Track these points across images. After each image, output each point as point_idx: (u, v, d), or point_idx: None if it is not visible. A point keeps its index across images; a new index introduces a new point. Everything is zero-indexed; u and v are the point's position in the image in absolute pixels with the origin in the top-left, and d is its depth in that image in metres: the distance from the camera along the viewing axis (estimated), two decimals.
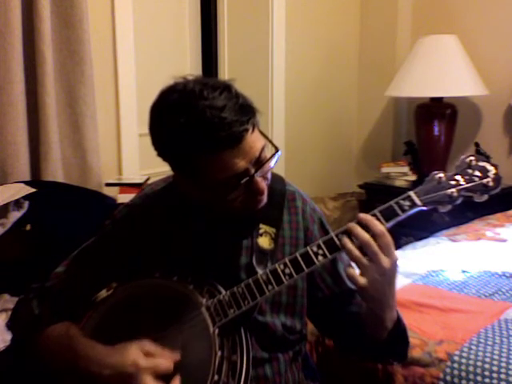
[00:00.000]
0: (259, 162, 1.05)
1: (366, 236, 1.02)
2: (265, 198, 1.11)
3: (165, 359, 1.02)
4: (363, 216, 1.04)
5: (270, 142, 1.09)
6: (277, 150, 1.08)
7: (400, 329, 1.14)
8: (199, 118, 0.99)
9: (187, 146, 1.01)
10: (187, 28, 3.06)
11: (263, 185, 1.08)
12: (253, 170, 1.05)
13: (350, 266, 1.23)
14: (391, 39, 3.51)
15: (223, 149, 1.00)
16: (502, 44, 3.21)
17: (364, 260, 1.02)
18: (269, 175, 1.12)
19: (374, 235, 1.02)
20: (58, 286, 1.20)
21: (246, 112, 1.02)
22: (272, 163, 1.08)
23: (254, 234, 1.17)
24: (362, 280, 1.03)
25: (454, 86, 3.09)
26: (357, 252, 1.02)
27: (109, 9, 2.46)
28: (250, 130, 1.02)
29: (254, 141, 1.03)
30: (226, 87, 1.03)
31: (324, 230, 1.25)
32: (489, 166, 1.07)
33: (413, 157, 3.40)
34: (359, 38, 3.61)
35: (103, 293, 1.16)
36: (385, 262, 1.02)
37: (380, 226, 1.02)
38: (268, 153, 1.08)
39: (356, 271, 1.06)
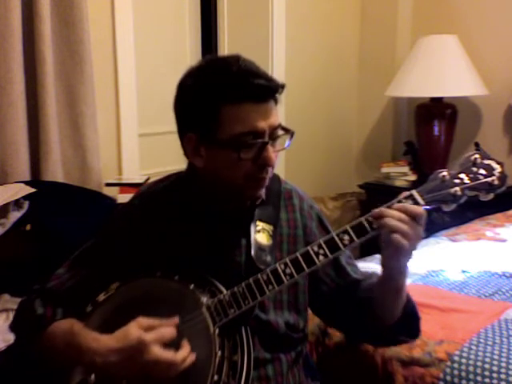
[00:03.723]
0: (274, 135, 1.10)
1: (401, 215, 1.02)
2: (267, 181, 1.13)
3: (166, 327, 1.04)
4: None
5: (284, 127, 1.12)
6: (291, 132, 1.12)
7: (410, 304, 1.16)
8: (236, 64, 1.06)
9: (219, 87, 1.06)
10: (187, 28, 3.06)
11: (274, 156, 1.10)
12: (267, 139, 1.08)
13: (351, 258, 1.26)
14: (391, 39, 3.51)
15: (250, 99, 1.05)
16: (502, 44, 3.20)
17: (406, 227, 1.01)
18: (277, 160, 1.13)
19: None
20: (59, 287, 1.20)
21: (276, 79, 1.09)
22: (285, 144, 1.13)
23: (251, 231, 1.17)
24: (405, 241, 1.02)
25: (453, 86, 3.09)
26: (397, 223, 1.02)
27: (109, 9, 2.46)
28: (274, 102, 1.08)
29: (275, 113, 1.09)
30: None
31: (322, 226, 1.26)
32: (494, 164, 1.05)
33: (413, 157, 3.40)
34: (359, 38, 3.61)
35: (101, 296, 1.16)
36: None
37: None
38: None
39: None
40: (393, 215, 1.02)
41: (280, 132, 1.11)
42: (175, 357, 1.01)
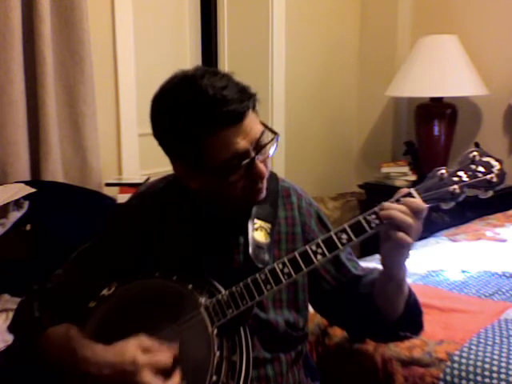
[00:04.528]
0: (259, 146, 1.07)
1: (401, 207, 1.02)
2: (264, 187, 1.12)
3: (163, 354, 1.03)
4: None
5: (269, 128, 1.11)
6: (276, 135, 1.10)
7: (412, 298, 1.16)
8: (202, 95, 1.02)
9: (190, 125, 1.03)
10: (187, 28, 3.06)
11: (263, 168, 1.09)
12: (253, 153, 1.06)
13: (351, 254, 1.26)
14: (391, 39, 3.51)
15: (225, 126, 1.02)
16: (502, 44, 3.20)
17: (411, 221, 1.01)
18: (269, 164, 1.13)
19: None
20: (58, 288, 1.20)
21: (247, 93, 1.05)
22: (272, 150, 1.10)
23: (249, 229, 1.17)
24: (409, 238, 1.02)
25: (453, 85, 3.09)
26: (403, 215, 1.01)
27: (109, 9, 2.46)
28: (251, 111, 1.05)
29: (255, 123, 1.06)
30: (226, 74, 1.07)
31: (322, 223, 1.26)
32: (493, 162, 1.05)
33: (413, 157, 3.40)
34: (359, 38, 3.61)
35: (105, 291, 1.16)
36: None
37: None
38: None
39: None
40: (399, 208, 1.02)
41: (265, 138, 1.09)
42: None
